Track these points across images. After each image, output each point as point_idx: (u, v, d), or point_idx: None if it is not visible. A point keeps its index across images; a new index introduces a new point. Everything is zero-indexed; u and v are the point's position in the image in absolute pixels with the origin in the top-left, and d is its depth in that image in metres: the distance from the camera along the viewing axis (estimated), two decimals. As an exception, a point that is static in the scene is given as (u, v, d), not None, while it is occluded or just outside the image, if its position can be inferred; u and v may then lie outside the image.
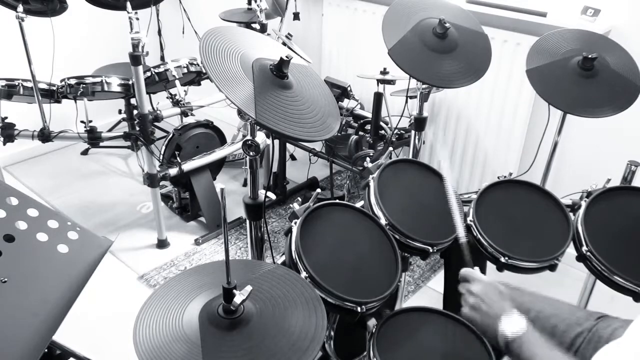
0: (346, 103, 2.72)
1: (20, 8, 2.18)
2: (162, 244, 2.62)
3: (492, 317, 1.08)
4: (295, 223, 1.29)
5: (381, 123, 2.50)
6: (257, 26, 2.56)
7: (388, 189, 1.47)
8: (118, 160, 3.38)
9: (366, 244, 1.36)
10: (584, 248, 1.43)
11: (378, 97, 2.42)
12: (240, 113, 1.18)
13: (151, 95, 2.70)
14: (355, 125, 2.67)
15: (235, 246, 2.63)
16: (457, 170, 2.70)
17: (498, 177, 1.62)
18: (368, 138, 2.54)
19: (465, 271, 1.19)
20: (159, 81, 2.58)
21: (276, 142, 2.84)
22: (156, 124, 2.78)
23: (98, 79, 2.49)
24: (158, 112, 2.54)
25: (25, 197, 0.97)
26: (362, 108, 2.74)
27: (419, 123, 1.89)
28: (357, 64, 2.92)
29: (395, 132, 2.45)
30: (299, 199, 1.38)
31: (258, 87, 1.15)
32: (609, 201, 1.51)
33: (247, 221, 1.42)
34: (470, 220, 1.48)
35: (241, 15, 2.86)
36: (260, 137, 1.26)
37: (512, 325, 1.04)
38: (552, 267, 1.45)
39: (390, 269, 1.32)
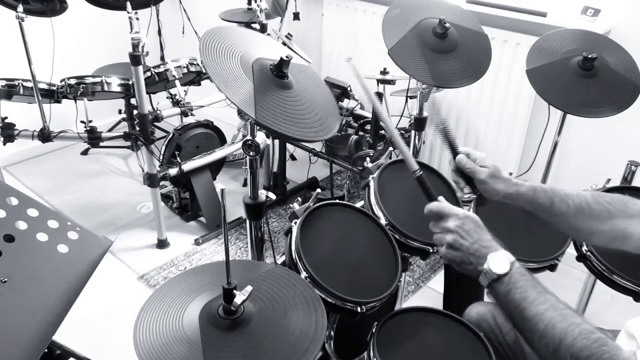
0: (346, 103, 2.72)
1: (20, 8, 2.17)
2: (162, 244, 2.62)
3: (474, 255, 0.96)
4: (295, 223, 1.29)
5: (381, 123, 2.50)
6: (257, 26, 2.56)
7: (388, 189, 1.47)
8: (118, 160, 3.38)
9: (366, 244, 1.36)
10: (584, 248, 1.43)
11: (378, 97, 2.42)
12: (240, 113, 1.18)
13: (151, 95, 2.70)
14: (355, 125, 2.66)
15: (235, 246, 2.63)
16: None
17: (498, 177, 1.62)
18: (368, 138, 2.53)
19: (434, 206, 1.03)
20: (159, 81, 2.57)
21: (276, 142, 2.83)
22: (156, 124, 2.78)
23: (98, 79, 2.49)
24: (158, 112, 2.54)
25: (25, 197, 0.97)
26: (362, 108, 2.74)
27: (419, 123, 1.89)
28: (357, 64, 2.91)
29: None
30: (299, 199, 1.38)
31: (258, 87, 1.15)
32: (609, 201, 1.51)
33: (247, 221, 1.43)
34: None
35: (241, 15, 2.85)
36: (260, 137, 1.26)
37: (499, 263, 0.93)
38: (552, 267, 1.45)
39: (390, 269, 1.32)
